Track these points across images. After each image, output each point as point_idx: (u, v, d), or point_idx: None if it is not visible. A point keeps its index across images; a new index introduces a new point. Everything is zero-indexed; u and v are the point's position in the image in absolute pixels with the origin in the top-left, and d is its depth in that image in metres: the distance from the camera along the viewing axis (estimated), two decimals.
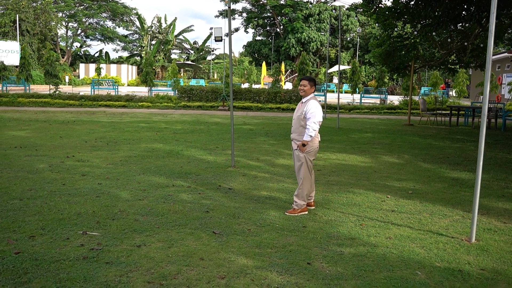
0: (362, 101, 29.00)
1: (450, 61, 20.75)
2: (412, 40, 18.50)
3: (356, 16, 55.43)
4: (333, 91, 43.72)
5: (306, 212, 6.24)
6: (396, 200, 7.01)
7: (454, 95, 26.47)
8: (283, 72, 36.14)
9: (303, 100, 6.29)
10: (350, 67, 50.72)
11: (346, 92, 44.53)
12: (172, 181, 7.91)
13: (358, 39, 53.88)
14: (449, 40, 18.69)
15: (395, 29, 18.68)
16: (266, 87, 29.52)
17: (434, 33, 19.03)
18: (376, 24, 52.34)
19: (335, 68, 51.09)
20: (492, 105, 18.16)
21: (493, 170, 9.51)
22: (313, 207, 6.47)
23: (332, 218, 6.04)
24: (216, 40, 23.71)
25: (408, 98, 26.55)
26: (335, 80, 54.80)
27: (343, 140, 13.64)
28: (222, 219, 5.87)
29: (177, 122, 17.62)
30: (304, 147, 6.13)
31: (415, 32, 18.51)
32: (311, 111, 6.07)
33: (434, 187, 7.95)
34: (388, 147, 12.30)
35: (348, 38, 57.15)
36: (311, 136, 6.08)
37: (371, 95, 29.88)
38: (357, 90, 29.77)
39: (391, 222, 5.92)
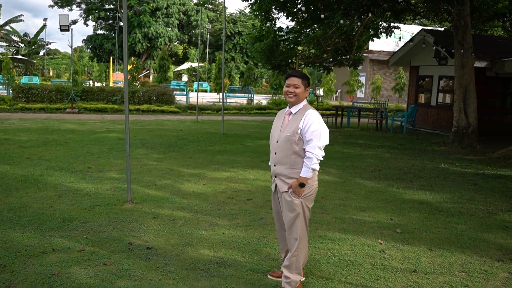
0: (228, 100, 27.04)
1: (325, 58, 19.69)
2: (294, 35, 16.94)
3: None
4: (183, 90, 41.10)
5: None
6: (397, 249, 4.95)
7: (321, 94, 25.97)
8: (140, 69, 32.70)
9: (293, 110, 3.87)
10: (202, 64, 48.87)
11: (197, 91, 42.13)
12: (48, 239, 4.91)
13: (208, 36, 51.95)
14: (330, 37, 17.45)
15: (274, 22, 16.91)
16: (120, 86, 26.05)
17: (311, 28, 17.75)
18: (221, 21, 51.07)
19: (185, 66, 48.66)
20: (379, 106, 17.39)
21: (449, 186, 8.03)
22: (304, 278, 4.10)
23: None
24: (62, 30, 19.83)
25: (276, 98, 25.28)
26: (185, 78, 52.37)
27: (241, 150, 11.39)
28: None
29: (20, 130, 13.76)
30: (302, 189, 3.74)
31: (297, 26, 16.96)
32: (314, 129, 3.69)
33: (414, 218, 6.08)
34: None
35: (195, 34, 54.87)
36: (314, 170, 3.71)
37: (236, 94, 28.05)
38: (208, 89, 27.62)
39: None
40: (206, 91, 36.62)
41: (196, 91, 37.50)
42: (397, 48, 31.97)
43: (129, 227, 5.39)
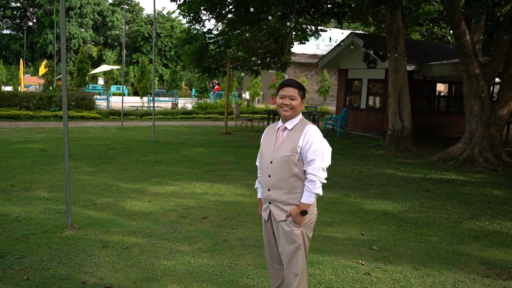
0: (150, 105, 25.95)
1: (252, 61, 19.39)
2: (223, 37, 16.46)
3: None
4: (99, 93, 39.24)
5: None
6: (381, 270, 4.59)
7: (248, 97, 25.58)
8: (56, 72, 30.68)
9: (288, 125, 3.35)
10: (118, 67, 47.06)
11: (114, 95, 40.45)
12: None
13: (125, 37, 50.05)
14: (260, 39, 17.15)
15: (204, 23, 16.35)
16: (35, 90, 24.25)
17: (240, 31, 17.37)
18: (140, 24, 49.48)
19: (102, 68, 46.58)
20: (311, 109, 17.26)
21: (404, 194, 7.87)
22: None
23: None
24: None
25: (202, 102, 24.63)
26: (101, 81, 50.20)
27: (178, 159, 10.70)
28: None
29: None
30: (303, 217, 3.23)
31: (226, 28, 16.49)
32: (316, 148, 3.20)
33: (384, 232, 5.78)
34: (245, 169, 9.79)
35: (112, 35, 52.70)
36: (317, 195, 3.22)
37: (160, 98, 27.02)
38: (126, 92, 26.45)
39: None
40: (124, 94, 35.17)
41: (113, 95, 36.07)
42: (318, 51, 32.40)
43: (76, 260, 4.62)
